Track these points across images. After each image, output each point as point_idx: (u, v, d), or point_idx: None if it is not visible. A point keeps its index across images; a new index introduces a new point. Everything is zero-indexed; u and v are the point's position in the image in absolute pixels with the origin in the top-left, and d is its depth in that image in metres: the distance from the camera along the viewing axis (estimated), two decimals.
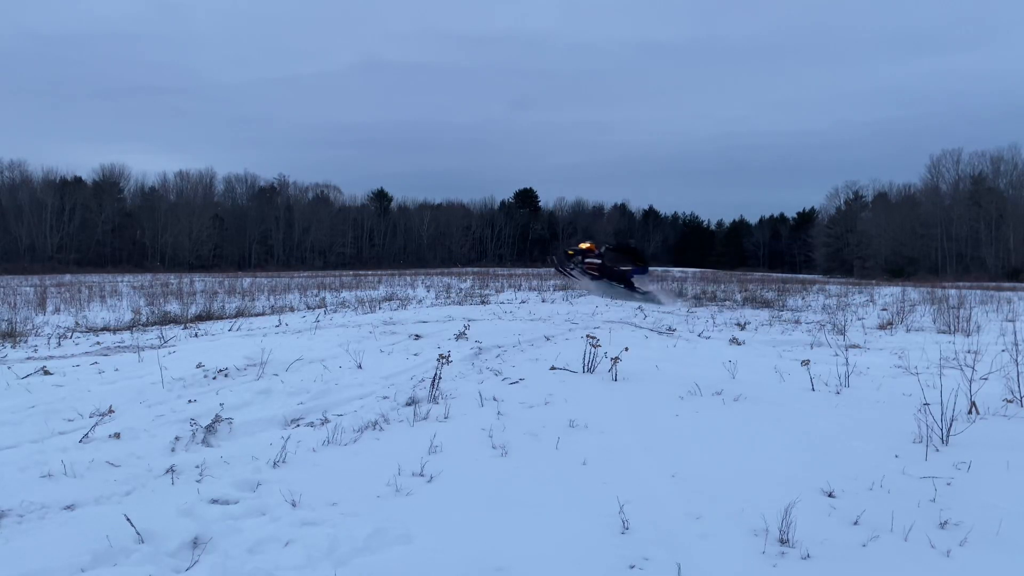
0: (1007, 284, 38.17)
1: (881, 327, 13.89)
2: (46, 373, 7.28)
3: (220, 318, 14.91)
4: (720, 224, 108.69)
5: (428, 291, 23.84)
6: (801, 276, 54.60)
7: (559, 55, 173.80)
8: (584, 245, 16.47)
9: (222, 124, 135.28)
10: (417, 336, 10.67)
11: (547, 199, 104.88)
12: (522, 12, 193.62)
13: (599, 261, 15.98)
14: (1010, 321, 13.81)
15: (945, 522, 3.46)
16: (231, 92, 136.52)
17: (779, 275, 53.49)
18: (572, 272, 16.06)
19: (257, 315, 15.65)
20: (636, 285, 16.18)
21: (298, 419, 5.60)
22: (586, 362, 7.50)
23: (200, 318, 14.71)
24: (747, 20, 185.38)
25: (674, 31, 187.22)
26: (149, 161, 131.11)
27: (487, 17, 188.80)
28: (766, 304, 20.22)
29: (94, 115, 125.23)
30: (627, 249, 16.95)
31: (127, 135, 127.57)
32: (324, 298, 20.08)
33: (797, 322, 14.78)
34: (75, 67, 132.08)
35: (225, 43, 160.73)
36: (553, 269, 17.43)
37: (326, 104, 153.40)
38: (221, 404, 5.81)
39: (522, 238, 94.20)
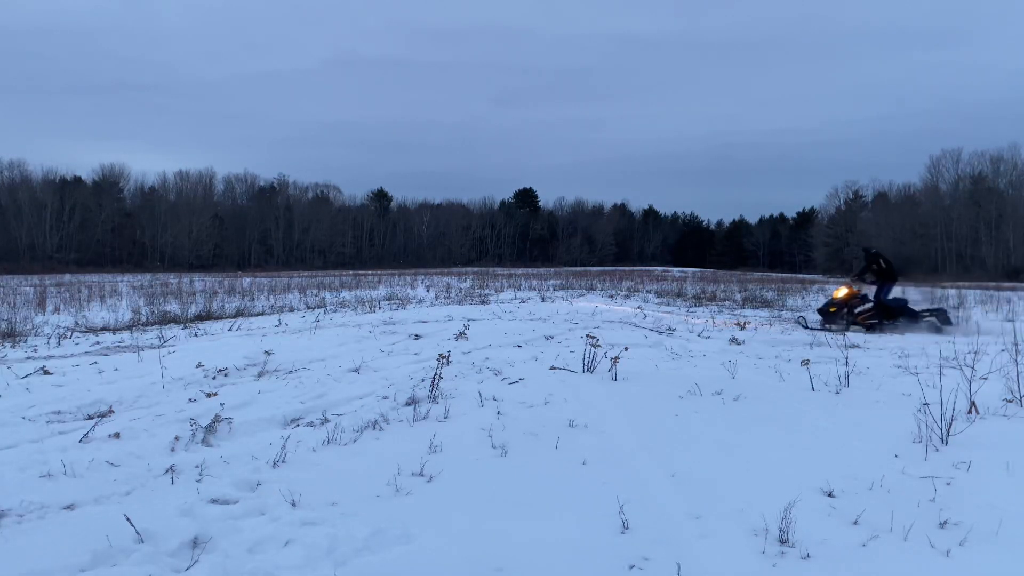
0: (1007, 284, 38.17)
1: None
2: (46, 373, 7.28)
3: (220, 318, 14.90)
4: (720, 224, 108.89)
5: (428, 291, 23.83)
6: (801, 276, 54.60)
7: (540, 50, 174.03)
8: (841, 293, 13.64)
9: (207, 121, 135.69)
10: (417, 336, 10.67)
11: (547, 199, 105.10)
12: (496, 4, 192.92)
13: (870, 304, 13.36)
14: (1010, 321, 13.81)
15: (945, 522, 3.46)
16: (209, 88, 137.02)
17: (779, 275, 53.52)
18: (845, 330, 12.86)
19: (257, 315, 15.65)
20: (916, 309, 13.45)
21: (298, 419, 5.59)
22: (586, 362, 7.49)
23: (200, 318, 14.71)
24: (726, 13, 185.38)
25: (653, 24, 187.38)
26: (139, 159, 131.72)
27: (459, 10, 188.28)
28: (766, 304, 20.22)
29: (72, 112, 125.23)
30: (873, 267, 13.93)
31: (114, 132, 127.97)
32: (324, 298, 20.08)
33: (797, 322, 14.77)
34: (45, 62, 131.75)
35: (195, 38, 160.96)
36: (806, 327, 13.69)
37: (307, 101, 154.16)
38: (221, 404, 5.81)
39: (522, 238, 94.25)
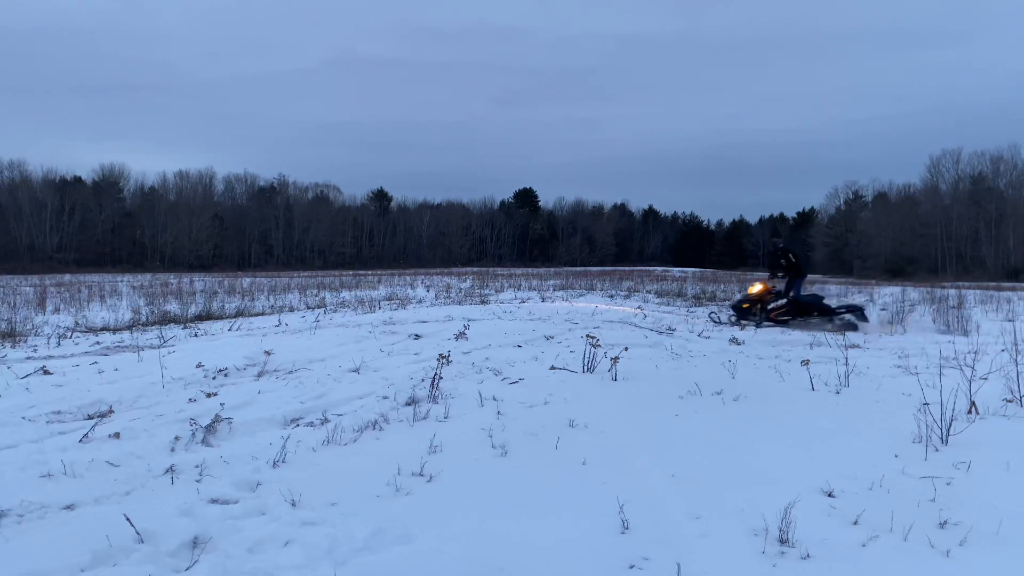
0: (1007, 284, 38.17)
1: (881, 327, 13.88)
2: (46, 373, 7.27)
3: (220, 318, 14.90)
4: (720, 224, 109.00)
5: (428, 291, 23.82)
6: None
7: (540, 50, 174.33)
8: (756, 289, 14.06)
9: (207, 121, 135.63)
10: (417, 336, 10.66)
11: (547, 199, 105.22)
12: (496, 4, 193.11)
13: (785, 301, 13.69)
14: (1010, 321, 13.81)
15: (945, 522, 3.46)
16: (209, 88, 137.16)
17: None
18: (757, 326, 13.37)
19: (257, 315, 15.65)
20: (831, 306, 13.76)
21: (298, 419, 5.59)
22: (586, 362, 7.49)
23: (200, 318, 14.70)
24: (726, 13, 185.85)
25: (652, 24, 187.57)
26: (139, 159, 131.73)
27: (459, 10, 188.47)
28: None
29: (72, 112, 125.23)
30: (781, 262, 14.20)
31: (114, 132, 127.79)
32: (324, 298, 20.07)
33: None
34: (44, 62, 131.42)
35: (195, 38, 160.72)
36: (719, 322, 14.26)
37: (307, 101, 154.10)
38: (221, 404, 5.81)
39: (522, 238, 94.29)
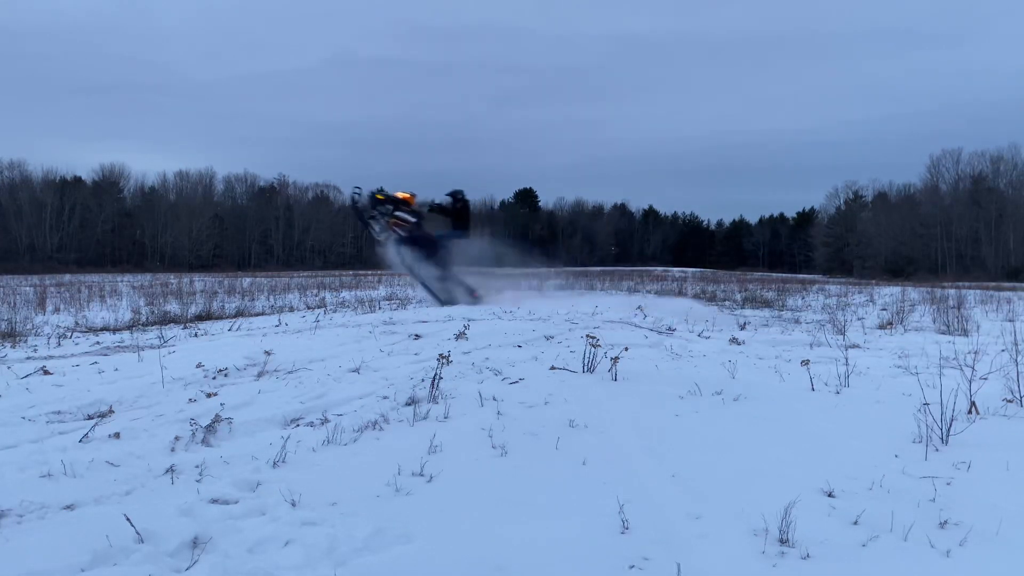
0: (1007, 284, 38.18)
1: (881, 327, 13.90)
2: (46, 373, 7.28)
3: (220, 318, 14.91)
4: (720, 224, 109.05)
5: None
6: (801, 276, 54.63)
7: (539, 50, 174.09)
8: (402, 194, 15.39)
9: (207, 121, 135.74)
10: (417, 336, 10.66)
11: (547, 199, 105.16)
12: (495, 4, 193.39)
13: (413, 220, 15.05)
14: (1010, 321, 13.82)
15: (945, 522, 3.46)
16: (209, 88, 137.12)
17: (779, 275, 53.51)
18: (372, 225, 15.05)
19: (257, 315, 15.65)
20: (441, 270, 15.41)
21: (298, 419, 5.59)
22: (586, 362, 7.49)
23: (200, 318, 14.71)
24: (726, 12, 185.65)
25: (651, 24, 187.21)
26: (139, 159, 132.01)
27: (459, 10, 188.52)
28: (766, 304, 20.23)
29: (72, 112, 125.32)
30: (451, 208, 15.94)
31: (114, 132, 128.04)
32: (324, 298, 20.08)
33: (797, 322, 14.81)
34: (45, 62, 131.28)
35: (195, 38, 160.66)
36: (353, 213, 16.50)
37: (307, 101, 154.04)
38: (221, 404, 5.80)
39: (522, 238, 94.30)
